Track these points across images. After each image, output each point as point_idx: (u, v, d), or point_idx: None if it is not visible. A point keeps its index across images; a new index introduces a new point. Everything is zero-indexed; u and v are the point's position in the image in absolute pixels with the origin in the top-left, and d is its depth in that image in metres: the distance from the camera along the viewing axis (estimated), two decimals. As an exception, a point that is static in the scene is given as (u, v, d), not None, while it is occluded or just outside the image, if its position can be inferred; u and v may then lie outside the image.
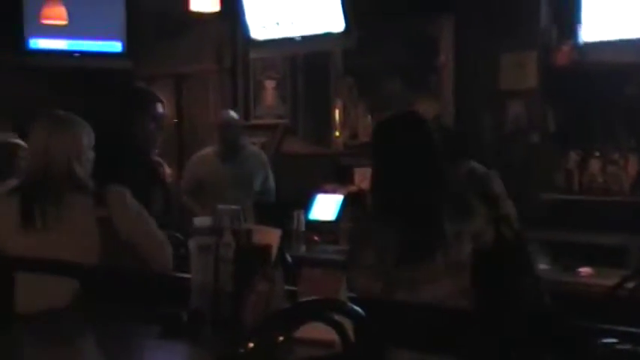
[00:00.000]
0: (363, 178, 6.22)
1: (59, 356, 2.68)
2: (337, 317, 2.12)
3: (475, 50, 6.06)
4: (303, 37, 6.50)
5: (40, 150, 3.28)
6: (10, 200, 3.25)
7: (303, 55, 6.99)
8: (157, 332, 2.64)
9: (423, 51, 6.32)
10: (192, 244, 2.78)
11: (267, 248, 2.66)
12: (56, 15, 6.43)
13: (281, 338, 2.05)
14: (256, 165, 6.42)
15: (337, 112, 6.85)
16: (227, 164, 6.33)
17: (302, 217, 5.78)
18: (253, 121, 7.39)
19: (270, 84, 7.33)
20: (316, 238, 5.86)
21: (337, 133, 6.85)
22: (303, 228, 5.76)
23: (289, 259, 3.39)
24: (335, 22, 6.28)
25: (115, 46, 8.07)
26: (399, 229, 3.02)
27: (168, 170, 6.02)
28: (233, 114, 6.51)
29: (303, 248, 5.67)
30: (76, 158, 3.28)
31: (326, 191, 6.32)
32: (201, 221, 2.85)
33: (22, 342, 2.88)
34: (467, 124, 6.04)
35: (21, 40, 7.84)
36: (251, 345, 1.99)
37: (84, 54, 7.98)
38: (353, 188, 6.32)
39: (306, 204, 6.07)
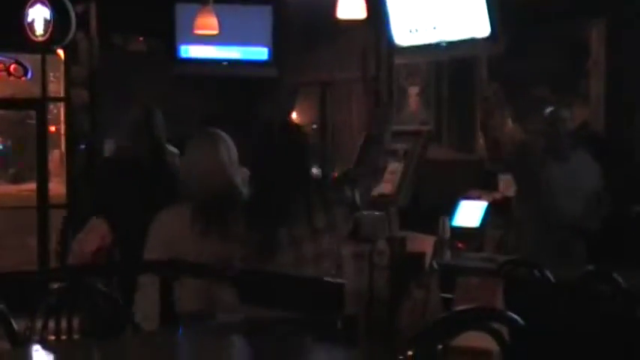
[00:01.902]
0: (508, 184, 6.13)
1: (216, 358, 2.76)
2: (496, 326, 2.11)
3: (627, 54, 5.87)
4: (448, 43, 6.46)
5: (197, 167, 3.60)
6: (183, 212, 3.56)
7: (447, 61, 6.95)
8: (311, 338, 2.68)
9: (572, 55, 6.18)
10: (346, 250, 2.82)
11: (421, 255, 2.67)
12: (208, 25, 6.62)
13: (440, 346, 2.05)
14: None
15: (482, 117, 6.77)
16: None
17: (447, 224, 5.74)
18: (396, 128, 7.39)
19: (413, 90, 7.32)
20: (460, 245, 5.81)
21: (482, 140, 6.77)
22: (447, 235, 5.72)
23: (436, 265, 3.38)
24: (480, 28, 6.22)
25: (262, 54, 8.24)
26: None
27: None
28: None
29: (448, 255, 5.63)
30: (231, 171, 3.59)
31: (470, 198, 6.26)
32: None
33: (183, 340, 2.99)
34: (617, 130, 5.87)
35: (173, 49, 8.10)
36: (410, 353, 2.00)
37: (232, 62, 8.17)
38: (498, 195, 6.24)
39: (450, 210, 6.03)
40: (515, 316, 2.10)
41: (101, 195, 4.71)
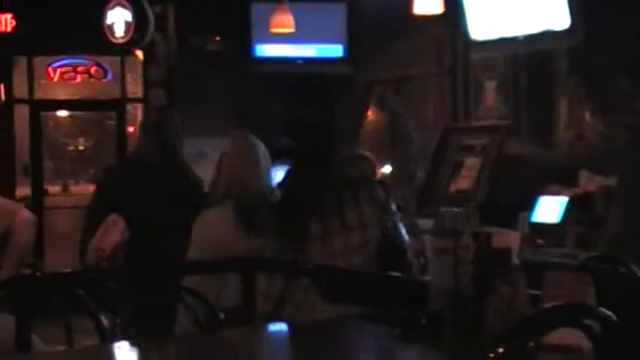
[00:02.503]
0: (588, 180, 6.01)
1: (301, 353, 2.77)
2: (588, 322, 2.07)
3: None
4: (526, 36, 6.37)
5: (237, 168, 3.88)
6: (227, 211, 3.79)
7: (525, 54, 6.85)
8: (396, 335, 2.67)
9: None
10: (428, 246, 2.80)
11: (506, 251, 2.64)
12: (284, 24, 6.66)
13: (531, 344, 2.02)
14: None
15: (561, 112, 6.66)
16: None
17: (526, 220, 5.67)
18: (474, 123, 7.32)
19: (490, 84, 7.23)
20: (540, 241, 5.72)
21: (562, 134, 6.66)
22: (527, 231, 5.64)
23: (517, 262, 3.34)
24: (559, 20, 6.11)
25: (337, 51, 8.25)
26: None
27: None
28: None
29: (527, 251, 5.56)
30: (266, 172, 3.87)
31: (549, 193, 6.15)
32: (424, 223, 2.88)
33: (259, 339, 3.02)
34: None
35: (248, 48, 8.16)
36: (501, 350, 1.97)
37: (307, 60, 8.20)
38: (578, 190, 6.13)
39: (529, 206, 5.94)
40: (608, 312, 2.06)
41: (114, 194, 4.85)
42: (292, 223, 3.56)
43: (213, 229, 3.84)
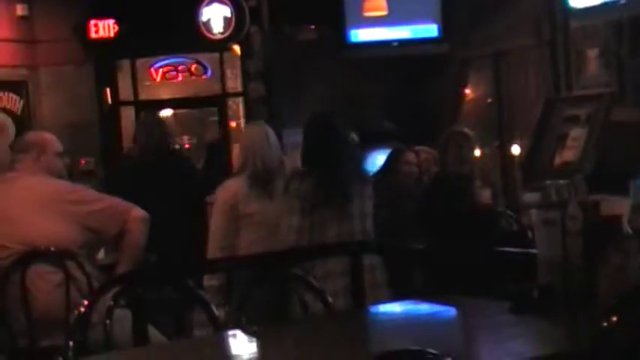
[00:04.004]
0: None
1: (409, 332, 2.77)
2: None
3: None
4: (628, 0, 6.18)
5: (253, 147, 4.61)
6: (243, 179, 4.54)
7: (627, 19, 6.64)
8: (507, 308, 2.65)
9: None
10: (535, 218, 2.76)
11: (617, 218, 2.58)
12: (377, 7, 6.66)
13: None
14: None
15: (669, 74, 6.45)
16: None
17: (638, 187, 5.50)
18: (576, 93, 7.16)
19: (592, 52, 7.05)
20: (652, 208, 5.55)
21: (670, 98, 6.45)
22: (639, 199, 5.48)
23: (630, 230, 3.25)
24: (661, -20, 5.92)
25: (432, 30, 8.17)
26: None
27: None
28: None
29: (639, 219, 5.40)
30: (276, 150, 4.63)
31: (659, 160, 5.96)
32: (530, 197, 2.83)
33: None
34: None
35: (343, 35, 8.17)
36: (614, 319, 1.93)
37: (402, 42, 8.15)
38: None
39: (638, 174, 5.77)
40: None
41: (115, 190, 5.09)
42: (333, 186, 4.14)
43: (229, 194, 4.55)
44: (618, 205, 2.61)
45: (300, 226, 4.07)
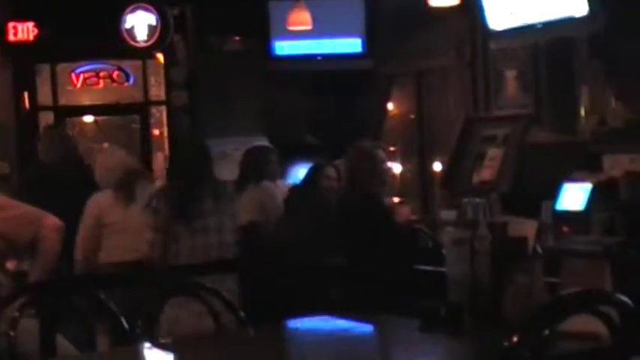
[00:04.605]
0: (612, 165, 5.97)
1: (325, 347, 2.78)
2: (604, 309, 2.06)
3: None
4: (545, 24, 6.32)
5: (111, 164, 5.51)
6: (108, 193, 5.30)
7: (545, 42, 6.80)
8: (416, 326, 2.68)
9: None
10: (446, 237, 2.80)
11: (523, 240, 2.63)
12: (302, 21, 6.68)
13: (547, 331, 2.02)
14: None
15: (583, 98, 6.61)
16: None
17: (549, 208, 5.63)
18: (495, 113, 7.29)
19: (511, 74, 7.19)
20: (565, 228, 5.68)
21: (584, 121, 6.61)
22: (550, 219, 5.61)
23: (539, 250, 3.33)
24: (578, 6, 6.07)
25: (356, 46, 8.23)
26: None
27: None
28: None
29: (551, 239, 5.52)
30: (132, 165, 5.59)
31: (574, 180, 6.11)
32: (447, 215, 2.88)
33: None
34: None
35: (268, 47, 8.17)
36: (516, 339, 1.97)
37: (326, 57, 8.19)
38: (602, 176, 6.08)
39: (554, 194, 5.91)
40: (625, 299, 2.05)
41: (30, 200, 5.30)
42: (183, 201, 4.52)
43: (96, 204, 5.24)
44: (525, 227, 2.66)
45: (154, 240, 4.43)
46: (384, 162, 5.20)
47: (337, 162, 6.07)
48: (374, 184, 5.03)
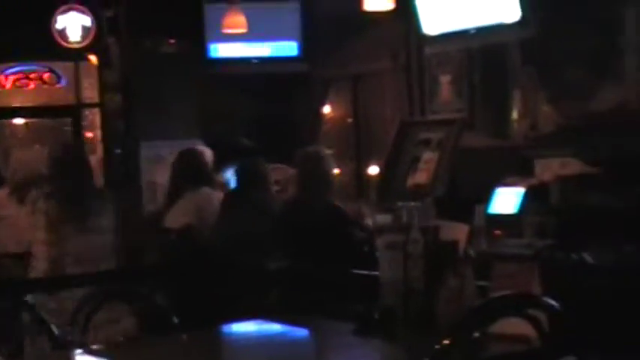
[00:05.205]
0: (544, 169, 6.07)
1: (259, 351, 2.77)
2: (533, 312, 2.09)
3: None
4: (478, 29, 6.40)
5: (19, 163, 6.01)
6: (4, 190, 5.88)
7: (478, 48, 6.89)
8: (350, 329, 2.68)
9: (606, 33, 6.08)
10: (379, 241, 2.81)
11: (454, 244, 2.65)
12: (237, 24, 6.65)
13: (476, 334, 2.04)
14: None
15: (516, 103, 6.71)
16: None
17: (482, 212, 5.69)
18: (429, 117, 7.36)
19: (445, 79, 7.27)
20: (498, 232, 5.75)
21: (516, 125, 6.71)
22: (483, 222, 5.67)
23: (472, 254, 3.36)
24: (510, 12, 6.16)
25: (292, 49, 8.23)
26: None
27: None
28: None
29: (484, 243, 5.58)
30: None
31: (507, 184, 6.19)
32: (383, 219, 2.88)
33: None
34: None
35: (203, 49, 8.12)
36: (447, 342, 1.99)
37: (262, 60, 8.17)
38: (534, 181, 6.17)
39: (487, 198, 5.98)
40: (552, 302, 2.08)
41: None
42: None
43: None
44: (456, 231, 2.69)
45: (47, 240, 4.62)
46: (332, 166, 5.31)
47: (273, 165, 6.07)
48: (325, 188, 5.07)
